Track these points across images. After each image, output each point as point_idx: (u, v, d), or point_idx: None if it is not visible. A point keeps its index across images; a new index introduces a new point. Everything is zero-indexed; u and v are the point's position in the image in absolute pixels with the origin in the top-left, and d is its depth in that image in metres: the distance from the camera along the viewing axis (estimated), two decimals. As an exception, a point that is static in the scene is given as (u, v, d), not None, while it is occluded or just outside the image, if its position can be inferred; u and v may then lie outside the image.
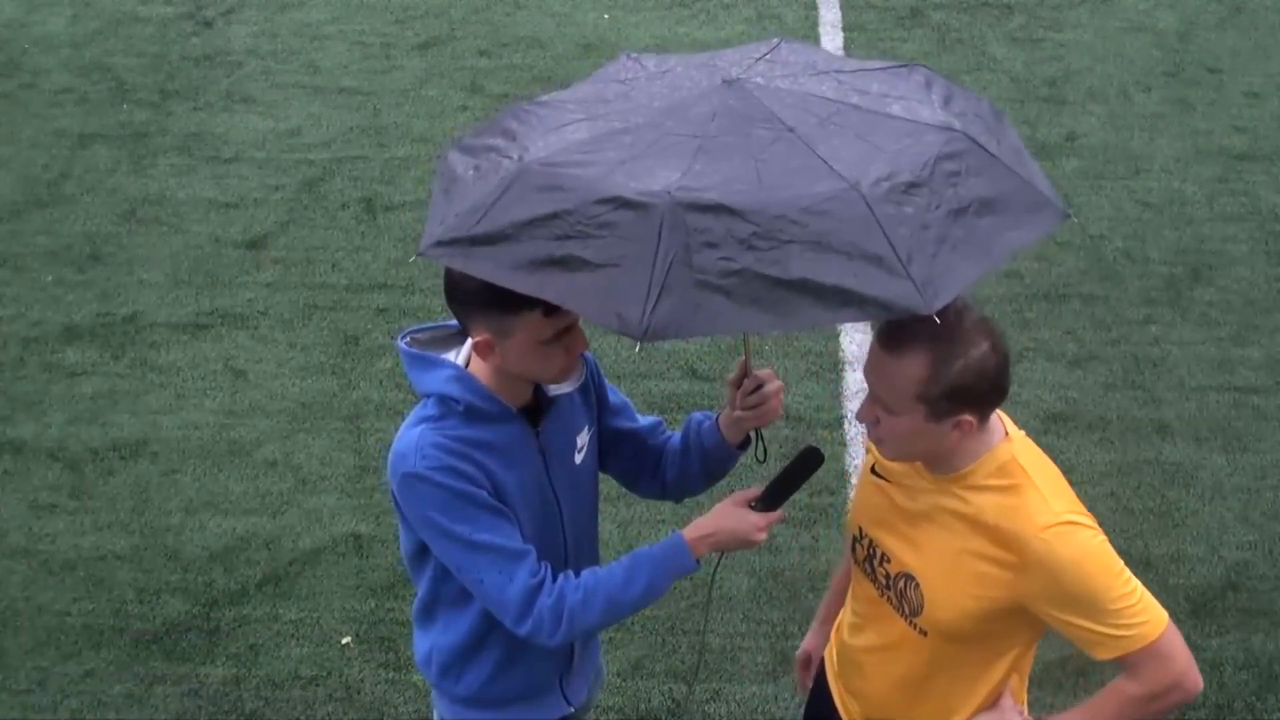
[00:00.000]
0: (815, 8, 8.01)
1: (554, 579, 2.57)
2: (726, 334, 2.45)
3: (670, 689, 4.26)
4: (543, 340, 2.49)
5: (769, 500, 2.60)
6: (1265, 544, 4.72)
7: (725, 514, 2.59)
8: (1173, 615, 2.50)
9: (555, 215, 2.30)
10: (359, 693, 4.27)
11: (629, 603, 2.58)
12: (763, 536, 2.57)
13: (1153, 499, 4.87)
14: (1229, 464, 5.04)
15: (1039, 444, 2.60)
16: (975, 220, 2.34)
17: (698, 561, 2.59)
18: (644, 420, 2.90)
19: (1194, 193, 6.45)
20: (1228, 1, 8.08)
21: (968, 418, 2.42)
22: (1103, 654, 2.48)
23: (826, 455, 2.65)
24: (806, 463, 2.61)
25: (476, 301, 2.46)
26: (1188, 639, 2.50)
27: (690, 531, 2.59)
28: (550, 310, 2.42)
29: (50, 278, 5.99)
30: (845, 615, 2.87)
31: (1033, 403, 5.23)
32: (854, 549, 2.74)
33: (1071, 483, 2.55)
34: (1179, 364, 5.49)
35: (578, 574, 2.60)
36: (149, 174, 6.63)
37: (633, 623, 4.40)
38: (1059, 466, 2.58)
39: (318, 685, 4.30)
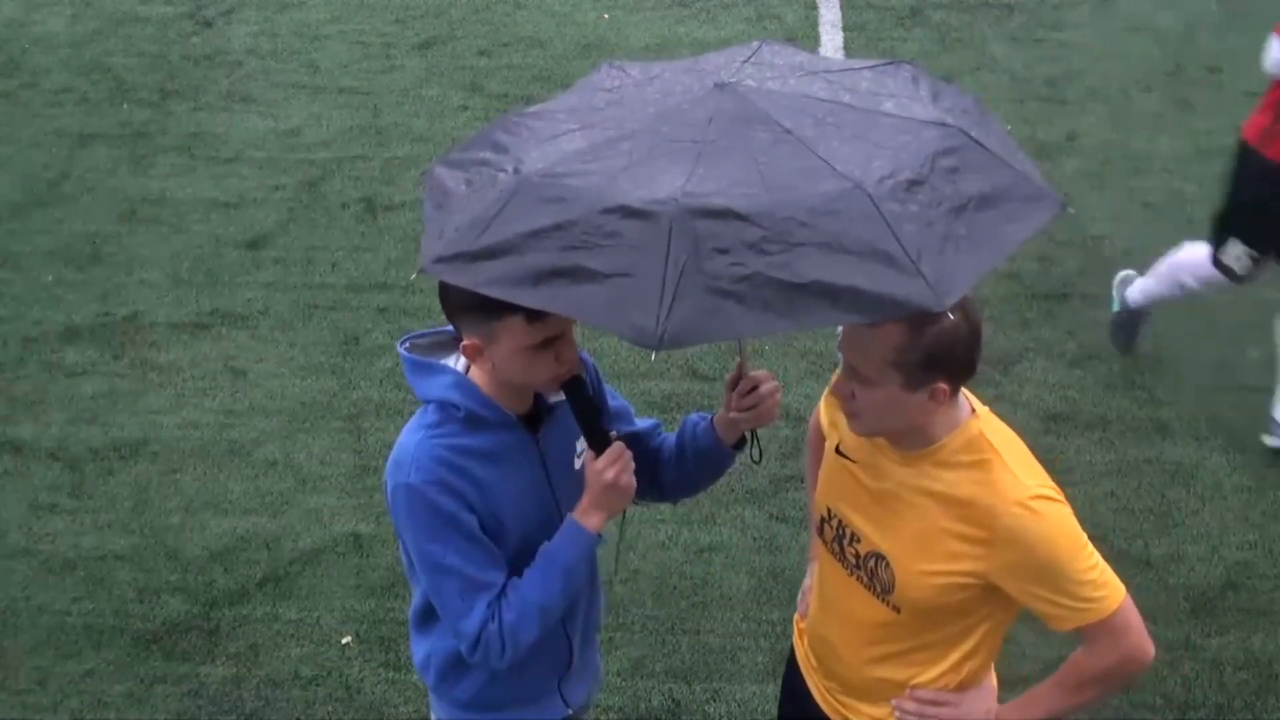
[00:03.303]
0: (815, 8, 8.01)
1: (498, 602, 2.59)
2: (740, 338, 2.43)
3: (670, 689, 4.26)
4: (528, 346, 2.48)
5: (594, 442, 2.61)
6: (1265, 544, 4.72)
7: (589, 482, 2.60)
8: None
9: (559, 226, 2.27)
10: (359, 693, 4.27)
11: (556, 600, 2.61)
12: (614, 471, 2.56)
13: (1153, 499, 4.87)
14: (1229, 464, 5.04)
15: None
16: (977, 215, 2.34)
17: (598, 534, 2.62)
18: (641, 423, 2.90)
19: (1194, 192, 6.44)
20: (1228, 1, 8.07)
21: (942, 385, 2.45)
22: (1062, 626, 2.54)
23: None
24: (578, 395, 2.60)
25: (462, 306, 2.47)
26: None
27: (577, 513, 2.62)
28: (532, 316, 2.40)
29: (50, 278, 5.99)
30: (813, 606, 2.89)
31: (1033, 403, 5.23)
32: (822, 529, 2.77)
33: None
34: (1179, 364, 5.49)
35: (505, 591, 2.60)
36: (149, 174, 6.63)
37: (633, 622, 4.41)
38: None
39: (318, 685, 4.30)
